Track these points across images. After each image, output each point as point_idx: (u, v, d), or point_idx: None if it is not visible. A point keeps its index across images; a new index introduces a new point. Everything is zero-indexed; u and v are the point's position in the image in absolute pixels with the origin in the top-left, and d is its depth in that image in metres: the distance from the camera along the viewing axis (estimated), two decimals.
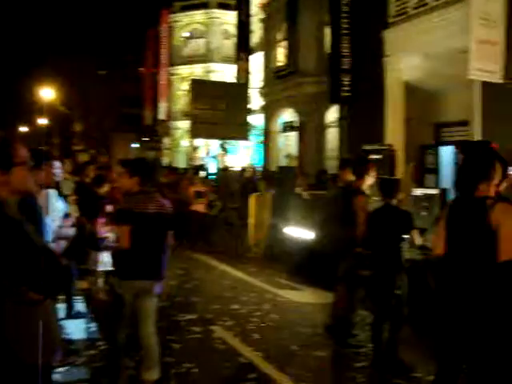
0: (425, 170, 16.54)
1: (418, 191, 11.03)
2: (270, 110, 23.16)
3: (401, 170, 12.47)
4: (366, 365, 5.56)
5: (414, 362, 5.44)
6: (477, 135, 10.96)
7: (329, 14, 15.60)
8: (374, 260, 5.67)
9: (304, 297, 8.45)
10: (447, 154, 16.12)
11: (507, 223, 3.22)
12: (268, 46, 23.21)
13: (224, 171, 19.71)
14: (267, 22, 23.52)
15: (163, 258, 4.87)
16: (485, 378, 3.29)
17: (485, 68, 9.75)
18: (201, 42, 36.41)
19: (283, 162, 21.77)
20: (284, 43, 21.27)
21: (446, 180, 15.52)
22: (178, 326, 6.72)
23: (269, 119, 23.25)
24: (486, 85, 10.26)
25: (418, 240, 5.84)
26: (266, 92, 23.23)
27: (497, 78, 9.90)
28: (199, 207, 12.59)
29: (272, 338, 6.37)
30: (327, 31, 16.10)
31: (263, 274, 9.85)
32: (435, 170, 16.53)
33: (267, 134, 23.47)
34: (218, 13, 35.30)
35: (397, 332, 5.47)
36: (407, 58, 12.76)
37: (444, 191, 12.26)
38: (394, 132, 13.39)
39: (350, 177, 6.57)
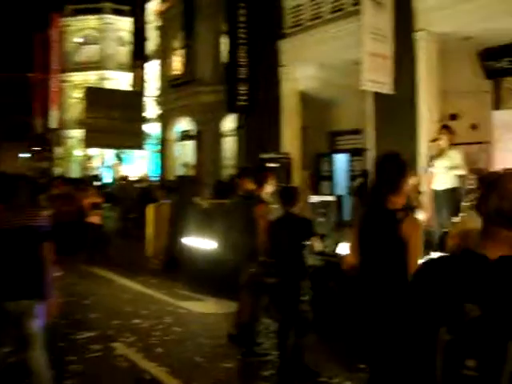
0: (320, 177, 17.05)
1: (315, 198, 11.34)
2: (166, 119, 22.91)
3: (297, 178, 12.71)
4: (273, 372, 5.55)
5: (320, 366, 5.52)
6: (369, 143, 11.38)
7: (226, 23, 15.68)
8: (278, 267, 5.70)
9: (206, 307, 8.34)
10: (341, 161, 16.71)
11: (414, 236, 3.37)
12: (164, 54, 22.98)
13: (122, 181, 19.25)
14: (163, 30, 23.28)
15: (44, 275, 4.45)
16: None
17: (376, 79, 10.17)
18: (94, 48, 35.44)
19: (180, 171, 21.59)
20: (181, 51, 21.13)
21: (340, 187, 16.09)
22: (77, 345, 6.37)
23: (165, 128, 22.99)
24: (377, 95, 10.70)
25: (319, 246, 5.94)
26: (162, 101, 22.96)
27: (387, 89, 10.35)
28: (95, 219, 12.21)
29: (176, 352, 6.21)
30: (224, 40, 16.16)
31: (163, 286, 9.64)
32: (330, 178, 17.09)
33: (164, 142, 23.18)
34: (113, 19, 34.57)
35: (302, 338, 5.51)
36: (303, 68, 13.08)
37: (339, 198, 12.68)
38: (290, 140, 13.65)
39: (250, 185, 6.58)
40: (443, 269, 1.86)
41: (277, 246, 5.69)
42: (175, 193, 12.58)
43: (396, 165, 3.64)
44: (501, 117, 11.02)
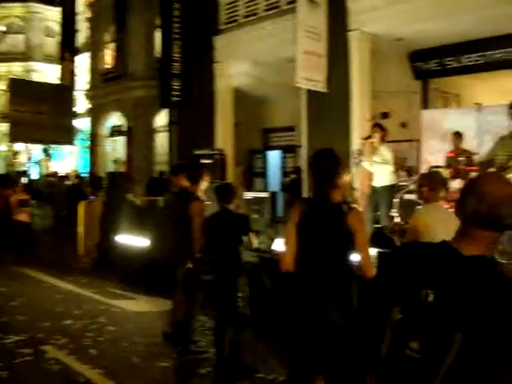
0: (253, 173, 17.14)
1: (249, 195, 11.39)
2: (96, 114, 22.35)
3: (231, 174, 12.70)
4: (210, 370, 5.50)
5: (257, 362, 5.53)
6: (302, 140, 11.51)
7: (159, 17, 15.46)
8: (214, 264, 5.66)
9: (140, 306, 8.19)
10: (274, 158, 16.85)
11: (360, 227, 3.54)
12: (95, 46, 22.38)
13: (50, 177, 18.66)
14: (94, 22, 22.65)
15: None
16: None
17: (310, 77, 10.29)
18: (19, 37, 34.02)
19: (111, 168, 21.16)
20: (112, 45, 20.63)
21: (273, 183, 16.23)
22: (5, 349, 6.09)
23: (96, 123, 22.42)
24: (311, 93, 10.83)
25: (255, 242, 5.94)
26: (92, 95, 22.38)
27: (321, 87, 10.49)
28: (22, 216, 11.78)
29: (110, 352, 6.06)
30: (158, 34, 15.92)
31: (95, 285, 9.39)
32: (263, 174, 17.21)
33: (94, 138, 22.61)
34: (40, 7, 33.27)
35: (240, 334, 5.50)
36: (237, 65, 13.07)
37: (273, 194, 12.78)
38: (224, 137, 13.63)
39: (185, 182, 6.51)
40: (412, 255, 1.95)
41: (212, 243, 5.66)
42: (107, 189, 12.31)
43: (331, 161, 3.73)
44: (427, 115, 11.43)
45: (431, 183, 4.29)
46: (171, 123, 15.85)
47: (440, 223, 3.55)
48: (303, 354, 3.60)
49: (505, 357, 1.71)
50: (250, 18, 12.64)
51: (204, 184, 6.44)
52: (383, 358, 1.80)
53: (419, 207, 4.72)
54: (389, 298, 1.86)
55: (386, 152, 8.31)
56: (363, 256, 3.51)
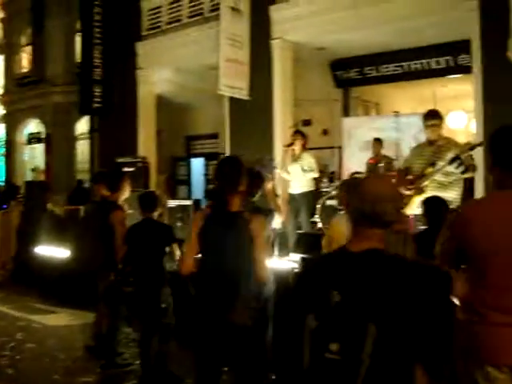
0: (177, 181, 16.99)
1: (173, 203, 11.27)
2: (12, 120, 21.48)
3: (154, 182, 12.55)
4: (136, 382, 5.42)
5: (183, 372, 5.46)
6: (226, 147, 11.53)
7: (80, 21, 15.05)
8: (136, 276, 5.56)
9: (61, 320, 7.92)
10: (198, 165, 16.78)
11: (261, 233, 3.66)
12: (10, 49, 21.50)
13: None
14: (8, 23, 21.78)
15: None
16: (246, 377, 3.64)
17: (233, 85, 10.34)
18: None
19: (29, 176, 20.40)
20: (28, 48, 19.93)
21: (197, 191, 16.15)
22: None
23: (12, 130, 21.54)
24: (233, 100, 10.87)
25: (177, 254, 5.86)
26: (7, 100, 21.51)
27: (243, 94, 10.55)
28: None
29: (31, 370, 5.81)
30: (78, 39, 15.50)
31: (12, 300, 9.01)
32: (187, 182, 17.10)
33: (10, 145, 21.73)
34: None
35: (165, 345, 5.45)
36: (160, 72, 12.94)
37: (197, 202, 12.70)
38: (146, 144, 13.45)
39: (105, 191, 6.37)
40: (318, 264, 2.09)
41: (135, 253, 5.57)
42: (25, 199, 11.86)
43: (233, 168, 3.78)
44: (348, 123, 11.73)
45: (349, 189, 4.39)
46: (92, 130, 15.47)
47: None
48: (207, 355, 3.66)
49: (418, 340, 1.80)
50: (173, 25, 12.54)
51: (125, 192, 6.32)
52: (306, 366, 1.81)
53: (340, 213, 4.82)
54: (302, 307, 1.93)
55: (310, 159, 8.43)
56: (259, 258, 3.62)
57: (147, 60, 13.00)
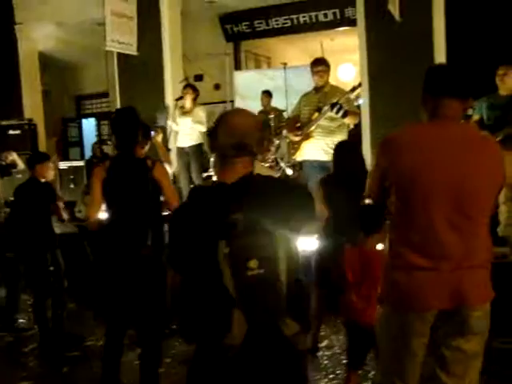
0: (68, 143, 16.39)
1: (64, 165, 10.93)
2: None
3: (43, 145, 12.07)
4: (36, 346, 5.41)
5: (83, 331, 5.56)
6: (117, 106, 11.21)
7: None
8: (19, 239, 5.43)
9: None
10: (89, 126, 16.24)
11: (165, 178, 3.88)
12: None
13: None
14: None
15: None
16: (151, 331, 3.79)
17: (120, 40, 9.99)
18: None
19: None
20: None
21: (89, 152, 15.64)
22: None
23: None
24: (122, 57, 10.54)
25: (65, 215, 5.70)
26: None
27: (132, 50, 10.25)
28: None
29: None
30: None
31: None
32: (78, 143, 16.52)
33: None
34: None
35: (60, 307, 5.41)
36: (41, 27, 12.24)
37: (90, 162, 12.35)
38: (33, 106, 12.77)
39: None
40: (203, 197, 2.15)
41: (19, 215, 5.44)
42: None
43: (131, 118, 3.88)
44: (240, 77, 11.77)
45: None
46: None
47: None
48: (118, 297, 3.77)
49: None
50: None
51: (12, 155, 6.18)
52: (233, 290, 1.88)
53: None
54: (208, 237, 1.96)
55: (201, 113, 8.38)
56: (169, 193, 3.86)
57: (26, 15, 12.21)
